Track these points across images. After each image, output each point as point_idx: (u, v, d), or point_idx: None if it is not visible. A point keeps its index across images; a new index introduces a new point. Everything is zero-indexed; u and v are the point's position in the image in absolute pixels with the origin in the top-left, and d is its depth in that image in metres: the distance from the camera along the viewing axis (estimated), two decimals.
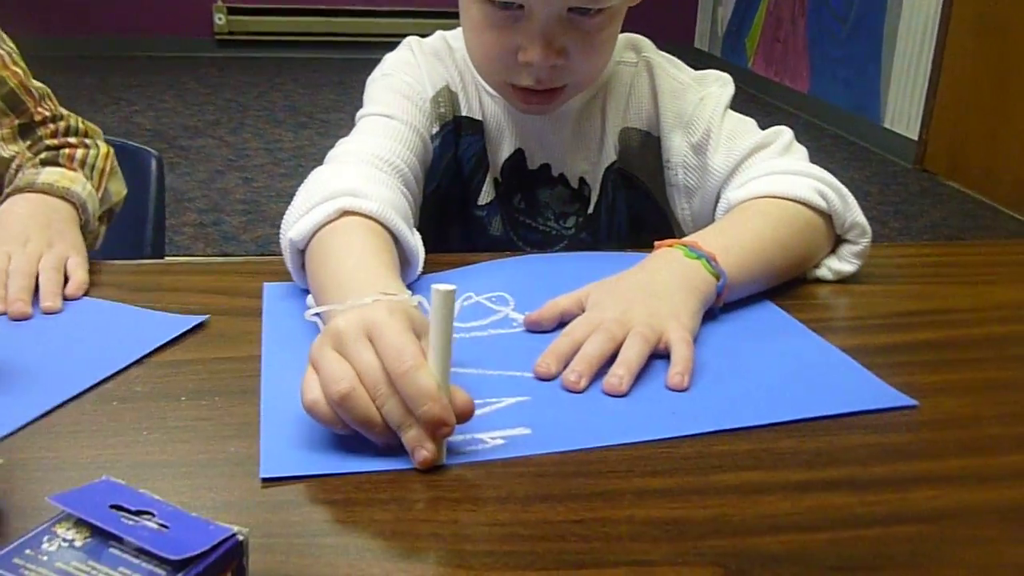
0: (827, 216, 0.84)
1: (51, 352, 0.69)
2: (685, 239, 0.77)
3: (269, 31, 6.20)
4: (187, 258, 1.14)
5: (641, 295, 0.70)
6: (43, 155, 0.98)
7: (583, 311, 0.70)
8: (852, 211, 0.85)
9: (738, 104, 0.95)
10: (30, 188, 0.88)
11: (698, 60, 6.58)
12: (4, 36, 1.02)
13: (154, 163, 1.29)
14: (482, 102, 0.98)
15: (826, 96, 5.06)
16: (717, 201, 0.91)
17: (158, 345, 0.69)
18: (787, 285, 0.83)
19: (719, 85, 0.96)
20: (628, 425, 0.59)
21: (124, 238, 1.28)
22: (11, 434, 0.57)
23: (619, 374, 0.62)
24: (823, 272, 0.85)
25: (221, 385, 0.64)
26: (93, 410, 0.60)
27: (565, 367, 0.64)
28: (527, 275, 0.83)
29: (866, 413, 0.62)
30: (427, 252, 0.81)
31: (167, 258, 1.28)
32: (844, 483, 0.55)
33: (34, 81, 1.03)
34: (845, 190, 0.86)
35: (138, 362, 0.66)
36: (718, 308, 0.75)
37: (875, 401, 0.64)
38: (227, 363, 0.67)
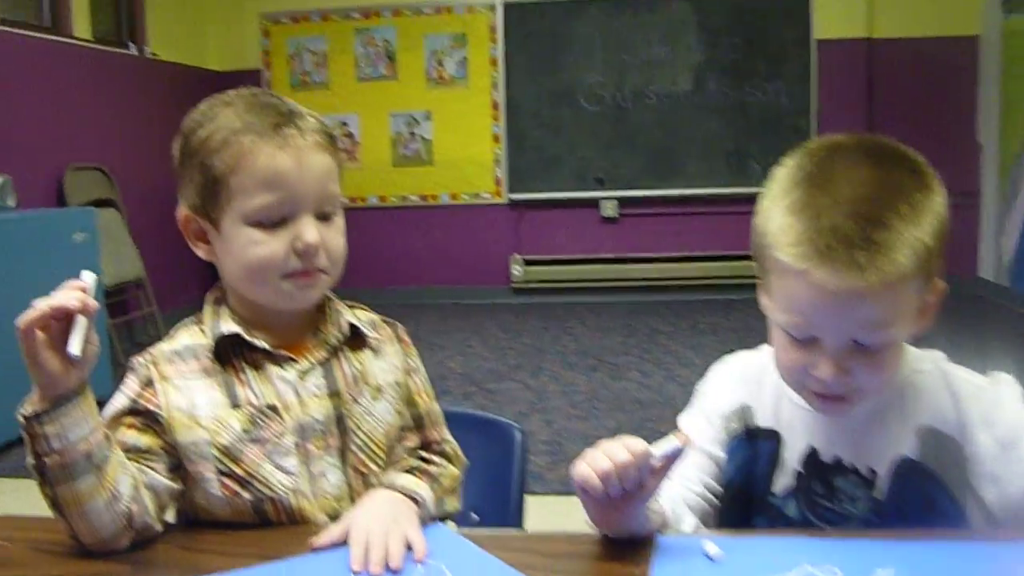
0: None
1: None
2: None
3: (560, 279, 6.82)
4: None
5: None
6: (411, 464, 1.28)
7: None
8: None
9: None
10: (391, 487, 1.19)
11: (984, 290, 6.51)
12: (421, 366, 1.36)
13: (518, 435, 1.61)
14: (779, 411, 1.22)
15: None
16: None
17: None
18: None
19: (1009, 384, 1.13)
20: None
21: (493, 496, 1.59)
22: None
23: None
24: None
25: None
26: None
27: None
28: (857, 552, 1.01)
29: None
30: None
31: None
32: None
33: (434, 404, 1.35)
34: None
35: None
36: None
37: None
38: None
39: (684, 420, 1.29)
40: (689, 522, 1.16)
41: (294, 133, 1.13)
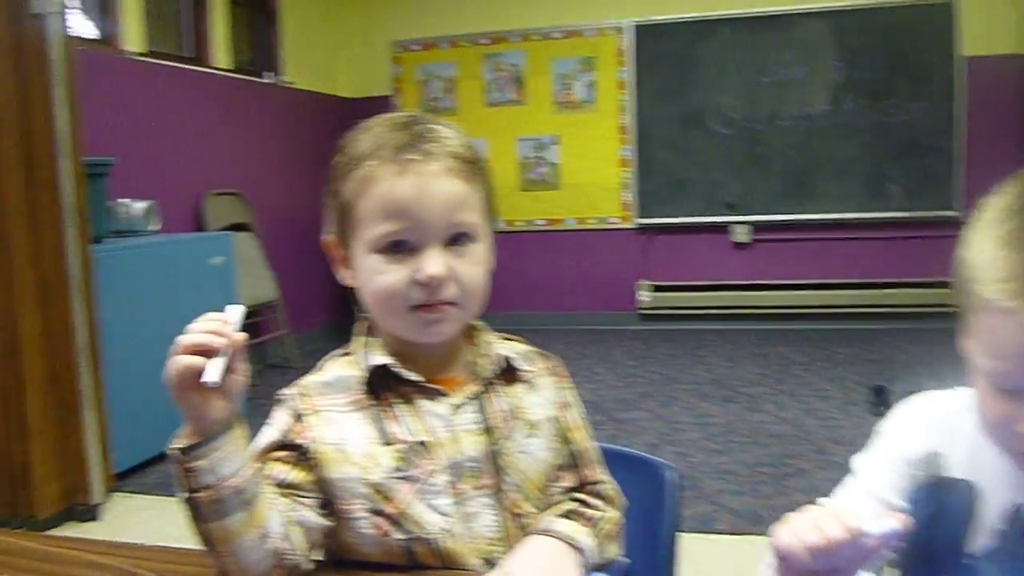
0: None
1: None
2: None
3: (689, 305, 6.66)
4: None
5: None
6: (568, 506, 1.20)
7: None
8: None
9: None
10: (548, 533, 1.11)
11: None
12: (578, 402, 1.28)
13: (670, 475, 1.51)
14: (977, 461, 1.07)
15: None
16: None
17: None
18: None
19: None
20: None
21: (641, 540, 1.49)
22: None
23: None
24: None
25: None
26: None
27: None
28: None
29: None
30: None
31: None
32: None
33: (590, 442, 1.27)
34: None
35: None
36: None
37: None
38: None
39: (860, 461, 1.17)
40: None
41: (417, 158, 1.07)
